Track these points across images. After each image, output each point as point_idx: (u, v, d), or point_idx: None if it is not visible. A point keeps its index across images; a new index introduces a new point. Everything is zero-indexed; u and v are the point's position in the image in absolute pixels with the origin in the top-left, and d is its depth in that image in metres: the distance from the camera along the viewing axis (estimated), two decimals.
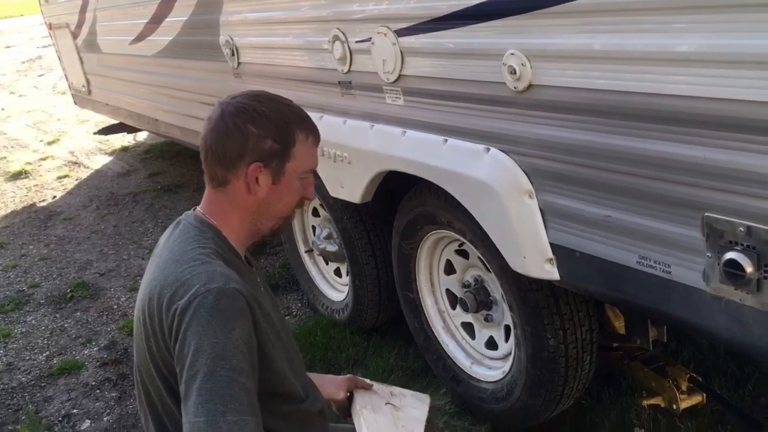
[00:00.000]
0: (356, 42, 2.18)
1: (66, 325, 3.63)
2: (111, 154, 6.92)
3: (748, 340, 1.39)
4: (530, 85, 1.62)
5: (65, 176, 6.37)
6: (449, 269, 2.46)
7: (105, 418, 2.84)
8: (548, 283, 1.87)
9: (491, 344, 2.40)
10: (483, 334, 2.43)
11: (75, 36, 5.24)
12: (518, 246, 1.80)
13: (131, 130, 5.89)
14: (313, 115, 1.40)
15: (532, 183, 1.73)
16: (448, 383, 2.53)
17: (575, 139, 1.56)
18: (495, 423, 2.39)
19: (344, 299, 3.07)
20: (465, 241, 2.20)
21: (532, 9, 1.55)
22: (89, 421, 2.84)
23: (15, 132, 8.18)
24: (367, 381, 1.68)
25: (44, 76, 11.13)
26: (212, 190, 1.32)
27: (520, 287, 1.98)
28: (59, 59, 6.11)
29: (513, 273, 1.89)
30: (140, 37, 3.97)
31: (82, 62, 5.40)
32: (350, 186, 2.45)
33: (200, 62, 3.36)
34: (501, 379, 2.29)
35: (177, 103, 3.90)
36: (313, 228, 3.15)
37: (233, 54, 2.96)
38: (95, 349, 3.37)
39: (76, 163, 6.76)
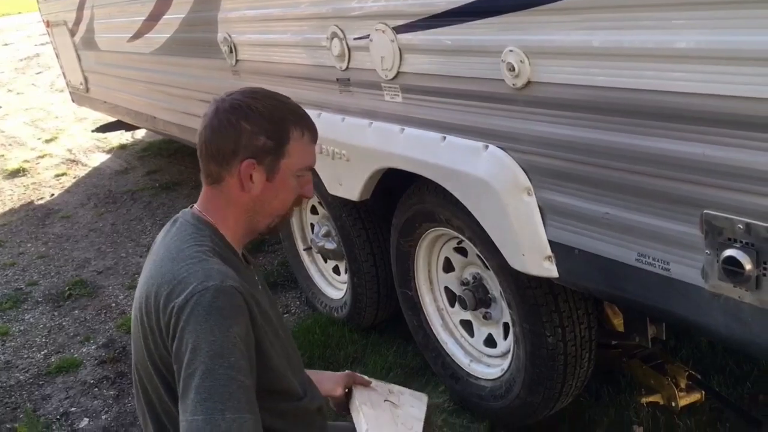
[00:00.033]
0: (354, 39, 2.17)
1: (64, 323, 3.63)
2: (109, 151, 6.91)
3: (747, 337, 1.39)
4: (529, 82, 1.62)
5: (63, 174, 6.36)
6: (448, 267, 2.46)
7: (103, 417, 2.84)
8: (547, 281, 1.87)
9: (490, 342, 2.40)
10: (482, 331, 2.43)
11: (73, 33, 5.22)
12: (517, 243, 1.80)
13: (129, 127, 5.88)
14: (312, 113, 1.40)
15: (530, 180, 1.73)
16: (446, 381, 2.52)
17: (574, 136, 1.56)
18: (494, 421, 2.39)
19: (343, 297, 3.07)
20: (464, 238, 2.20)
21: (530, 6, 1.55)
22: (87, 419, 2.84)
23: (13, 130, 8.16)
24: (366, 378, 1.68)
25: (42, 74, 11.10)
26: (208, 188, 1.32)
27: (519, 285, 1.98)
28: (57, 57, 6.09)
29: (512, 270, 1.88)
30: (138, 35, 3.96)
31: (79, 60, 5.38)
32: (349, 183, 2.44)
33: (198, 59, 3.35)
34: (500, 377, 2.29)
35: (175, 101, 3.89)
36: (312, 226, 3.15)
37: (231, 51, 2.96)
38: (93, 347, 3.37)
39: (74, 161, 6.75)
